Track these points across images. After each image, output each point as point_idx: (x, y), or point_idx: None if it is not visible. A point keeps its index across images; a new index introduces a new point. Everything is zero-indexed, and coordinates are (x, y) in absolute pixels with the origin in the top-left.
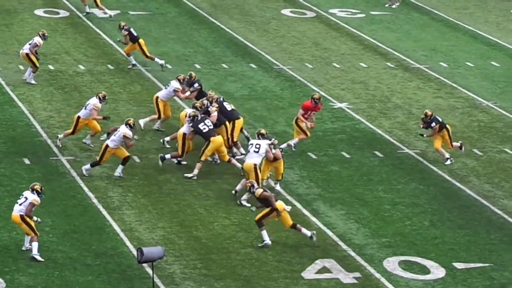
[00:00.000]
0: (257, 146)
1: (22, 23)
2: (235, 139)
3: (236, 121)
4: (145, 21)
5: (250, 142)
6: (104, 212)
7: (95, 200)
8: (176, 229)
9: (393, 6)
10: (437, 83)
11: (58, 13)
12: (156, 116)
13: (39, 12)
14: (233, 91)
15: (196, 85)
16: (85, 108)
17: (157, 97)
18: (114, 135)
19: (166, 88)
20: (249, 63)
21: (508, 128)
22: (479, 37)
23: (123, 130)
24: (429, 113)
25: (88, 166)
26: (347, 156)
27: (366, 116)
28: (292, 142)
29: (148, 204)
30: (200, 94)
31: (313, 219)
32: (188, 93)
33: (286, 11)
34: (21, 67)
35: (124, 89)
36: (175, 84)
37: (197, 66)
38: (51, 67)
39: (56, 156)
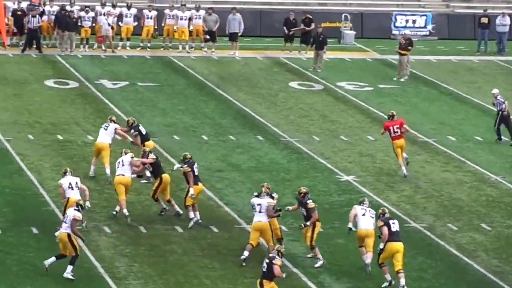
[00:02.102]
0: (259, 205)
1: (32, 94)
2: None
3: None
4: (153, 92)
5: (251, 202)
6: (111, 282)
7: (101, 270)
8: None
9: (401, 80)
10: (445, 157)
11: (67, 84)
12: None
13: (49, 82)
14: (240, 162)
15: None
16: None
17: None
18: (65, 220)
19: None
20: (256, 135)
21: None
22: (488, 111)
23: (71, 213)
24: None
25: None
26: (354, 229)
27: (373, 189)
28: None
29: (154, 275)
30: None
31: None
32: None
33: (294, 84)
34: (31, 136)
35: None
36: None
37: (204, 137)
38: (60, 137)
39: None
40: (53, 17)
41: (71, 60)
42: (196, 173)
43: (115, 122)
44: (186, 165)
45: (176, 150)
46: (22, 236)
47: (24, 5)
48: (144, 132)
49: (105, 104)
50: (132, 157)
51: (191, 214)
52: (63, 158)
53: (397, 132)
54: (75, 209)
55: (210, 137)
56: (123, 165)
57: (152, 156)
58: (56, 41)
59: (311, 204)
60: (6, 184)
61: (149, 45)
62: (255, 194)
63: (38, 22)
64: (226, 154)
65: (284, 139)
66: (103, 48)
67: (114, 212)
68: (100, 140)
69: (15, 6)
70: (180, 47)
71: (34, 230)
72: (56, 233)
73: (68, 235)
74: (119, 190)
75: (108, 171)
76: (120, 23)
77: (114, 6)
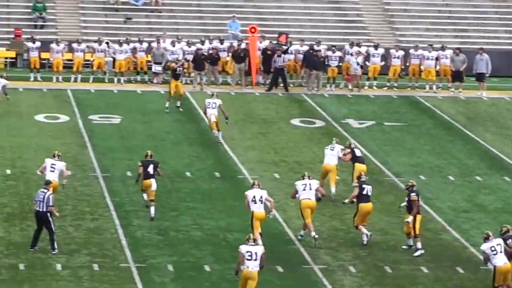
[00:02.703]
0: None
1: (278, 132)
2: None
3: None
4: (400, 132)
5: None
6: None
7: None
8: None
9: None
10: None
11: (314, 123)
12: None
13: (295, 121)
14: (486, 203)
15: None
16: None
17: None
18: None
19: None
20: (504, 176)
21: None
22: None
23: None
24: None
25: None
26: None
27: None
28: None
29: None
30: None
31: None
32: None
33: None
34: (276, 175)
35: (377, 199)
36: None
37: (451, 177)
38: None
39: (308, 264)
40: (301, 56)
41: (317, 99)
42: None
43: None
44: (413, 193)
45: (422, 191)
46: (267, 274)
47: (266, 43)
48: (358, 154)
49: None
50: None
51: (410, 241)
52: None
53: None
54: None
55: (457, 178)
56: (310, 188)
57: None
58: (303, 80)
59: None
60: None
61: (396, 84)
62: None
63: (284, 61)
64: (472, 195)
65: None
66: (350, 87)
67: (300, 237)
68: (328, 162)
69: (265, 45)
70: (427, 87)
71: (279, 269)
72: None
73: None
74: (305, 214)
75: (333, 190)
76: (367, 62)
77: (359, 45)
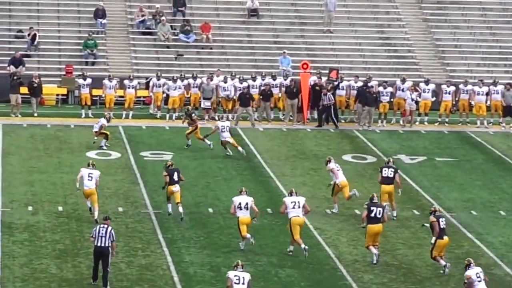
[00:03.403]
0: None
1: None
2: None
3: None
4: (451, 168)
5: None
6: None
7: None
8: None
9: None
10: None
11: (365, 159)
12: None
13: (346, 157)
14: None
15: None
16: None
17: None
18: None
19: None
20: None
21: None
22: None
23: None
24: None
25: None
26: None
27: None
28: None
29: None
30: None
31: None
32: None
33: None
34: (328, 211)
35: (429, 235)
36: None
37: (502, 212)
38: (357, 211)
39: None
40: (353, 91)
41: (369, 135)
42: (442, 226)
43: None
44: (432, 216)
45: (474, 226)
46: None
47: (314, 78)
48: (384, 175)
49: (403, 179)
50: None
51: (442, 262)
52: (360, 233)
53: None
54: None
55: (508, 212)
56: (299, 206)
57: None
58: (355, 115)
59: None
60: (303, 259)
61: (447, 120)
62: None
63: (329, 100)
64: None
65: None
66: (402, 123)
67: (290, 253)
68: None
69: (313, 81)
70: (478, 122)
71: None
72: None
73: None
74: (295, 231)
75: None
76: (418, 98)
77: (403, 80)
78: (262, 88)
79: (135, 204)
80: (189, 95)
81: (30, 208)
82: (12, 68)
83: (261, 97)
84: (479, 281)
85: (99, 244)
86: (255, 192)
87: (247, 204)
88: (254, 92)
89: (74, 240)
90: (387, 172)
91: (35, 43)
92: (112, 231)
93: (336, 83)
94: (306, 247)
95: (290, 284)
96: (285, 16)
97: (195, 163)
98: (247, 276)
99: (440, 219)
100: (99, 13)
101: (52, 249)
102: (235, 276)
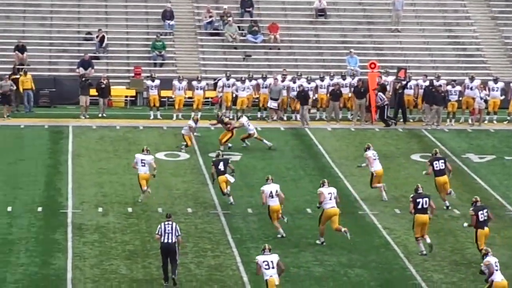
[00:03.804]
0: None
1: (398, 168)
2: None
3: None
4: None
5: None
6: None
7: None
8: None
9: None
10: None
11: None
12: None
13: (415, 156)
14: None
15: None
16: None
17: None
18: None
19: None
20: None
21: None
22: None
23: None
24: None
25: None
26: None
27: None
28: None
29: None
30: None
31: None
32: None
33: None
34: (397, 210)
35: (498, 233)
36: None
37: None
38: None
39: None
40: (421, 91)
41: (437, 134)
42: (481, 219)
43: None
44: (471, 209)
45: None
46: None
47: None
48: (436, 168)
49: (472, 178)
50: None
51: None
52: (430, 232)
53: None
54: None
55: None
56: (334, 198)
57: None
58: (423, 114)
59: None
60: (373, 258)
61: None
62: None
63: (381, 100)
64: None
65: None
66: (471, 122)
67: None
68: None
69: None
70: None
71: None
72: None
73: None
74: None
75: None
76: (487, 96)
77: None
78: (331, 87)
79: (204, 205)
80: (258, 96)
81: (100, 209)
82: (81, 70)
83: (330, 96)
84: (497, 270)
85: (166, 241)
86: None
87: (277, 191)
88: (322, 92)
89: (143, 241)
90: (438, 165)
91: (104, 45)
92: (177, 227)
93: (404, 82)
94: (346, 229)
95: (359, 284)
96: (353, 15)
97: (263, 164)
98: (275, 259)
99: (479, 212)
100: (167, 15)
101: (122, 250)
102: (264, 261)
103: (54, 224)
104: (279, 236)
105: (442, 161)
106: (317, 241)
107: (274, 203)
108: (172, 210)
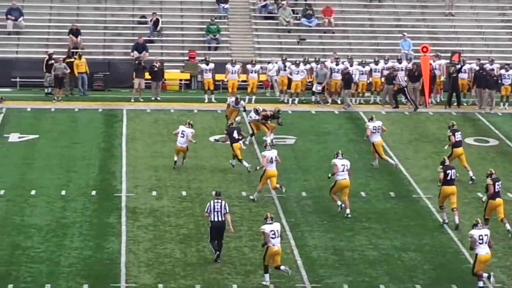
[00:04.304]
0: None
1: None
2: None
3: None
4: None
5: None
6: None
7: None
8: None
9: None
10: None
11: (487, 142)
12: None
13: (469, 140)
14: None
15: None
16: None
17: None
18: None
19: None
20: None
21: None
22: None
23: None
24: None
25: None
26: None
27: None
28: None
29: None
30: None
31: None
32: None
33: None
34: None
35: None
36: None
37: None
38: (479, 194)
39: (483, 283)
40: (473, 74)
41: (490, 118)
42: (497, 190)
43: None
44: (489, 178)
45: None
46: None
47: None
48: (457, 139)
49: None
50: None
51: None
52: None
53: None
54: None
55: None
56: (347, 170)
57: None
58: (476, 98)
59: (488, 181)
60: (427, 242)
61: None
62: None
63: (400, 81)
64: None
65: None
66: None
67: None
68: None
69: (438, 63)
70: None
71: (454, 287)
72: None
73: None
74: (343, 192)
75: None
76: None
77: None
78: (386, 72)
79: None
80: (312, 79)
81: (154, 193)
82: (136, 54)
83: (384, 80)
84: (480, 243)
85: (215, 219)
86: (378, 177)
87: (276, 157)
88: (377, 76)
89: (198, 225)
90: (459, 136)
91: (158, 28)
92: (226, 205)
93: (458, 66)
94: (343, 205)
95: (413, 267)
96: None
97: (318, 147)
98: (279, 227)
99: (496, 183)
100: None
101: (176, 233)
102: (271, 231)
103: (108, 208)
104: (251, 197)
105: (459, 132)
106: (337, 205)
107: (272, 168)
108: (226, 194)
